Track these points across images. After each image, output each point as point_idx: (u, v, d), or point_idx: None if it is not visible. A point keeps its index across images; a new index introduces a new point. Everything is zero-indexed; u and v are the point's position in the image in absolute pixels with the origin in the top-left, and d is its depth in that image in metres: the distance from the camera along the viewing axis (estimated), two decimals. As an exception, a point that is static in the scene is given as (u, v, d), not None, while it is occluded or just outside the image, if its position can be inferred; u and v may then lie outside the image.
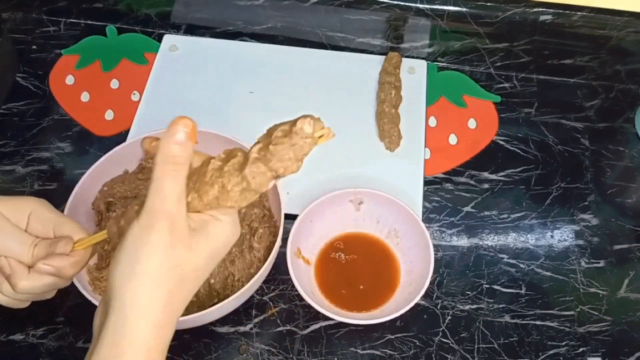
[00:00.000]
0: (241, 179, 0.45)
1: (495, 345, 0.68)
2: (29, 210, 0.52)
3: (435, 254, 0.68)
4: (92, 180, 0.69)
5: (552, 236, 0.76)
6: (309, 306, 0.64)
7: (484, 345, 0.68)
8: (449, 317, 0.70)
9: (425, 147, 0.82)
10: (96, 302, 0.59)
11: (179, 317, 0.45)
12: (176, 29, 0.93)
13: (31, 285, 0.50)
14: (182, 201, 0.44)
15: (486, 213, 0.78)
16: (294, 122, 0.44)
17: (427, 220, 0.77)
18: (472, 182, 0.80)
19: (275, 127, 0.45)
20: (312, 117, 0.44)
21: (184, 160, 0.44)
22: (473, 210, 0.78)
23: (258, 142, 0.46)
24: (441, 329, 0.69)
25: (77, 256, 0.51)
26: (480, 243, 0.75)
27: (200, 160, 0.48)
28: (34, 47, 0.91)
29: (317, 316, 0.69)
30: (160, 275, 0.42)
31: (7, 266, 0.50)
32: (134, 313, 0.42)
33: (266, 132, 0.46)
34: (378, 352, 0.67)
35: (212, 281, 0.66)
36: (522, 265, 0.74)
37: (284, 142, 0.44)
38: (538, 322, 0.70)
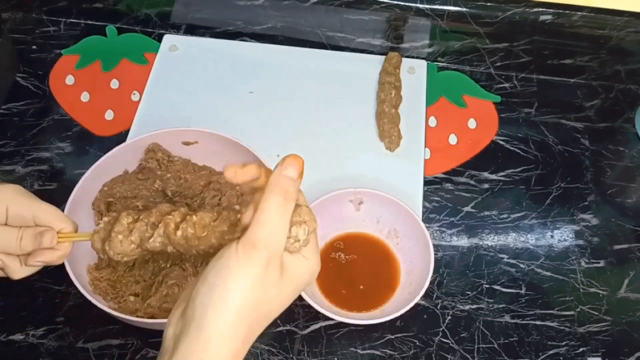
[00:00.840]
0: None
1: (495, 345, 0.68)
2: (6, 202, 0.51)
3: (435, 254, 0.68)
4: (92, 180, 0.69)
5: (552, 236, 0.76)
6: (309, 306, 0.64)
7: (484, 345, 0.68)
8: (449, 317, 0.70)
9: (425, 147, 0.82)
10: (96, 302, 0.59)
11: (251, 345, 0.44)
12: (176, 29, 0.93)
13: (25, 274, 0.52)
14: (285, 236, 0.43)
15: (486, 213, 0.78)
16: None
17: (427, 220, 0.77)
18: (472, 182, 0.80)
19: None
20: (308, 219, 0.44)
21: (293, 195, 0.43)
22: (473, 210, 0.78)
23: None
24: (441, 329, 0.69)
25: (63, 249, 0.51)
26: (480, 243, 0.75)
27: None
28: (34, 47, 0.91)
29: (317, 316, 0.69)
30: (247, 311, 0.42)
31: None
32: (214, 342, 0.41)
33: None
34: (378, 352, 0.67)
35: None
36: (522, 265, 0.74)
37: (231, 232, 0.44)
38: (538, 322, 0.70)
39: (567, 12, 0.84)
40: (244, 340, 0.42)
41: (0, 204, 0.51)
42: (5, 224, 0.51)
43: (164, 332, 0.44)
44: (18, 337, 0.67)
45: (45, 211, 0.51)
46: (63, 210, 0.63)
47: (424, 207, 0.77)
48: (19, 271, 0.51)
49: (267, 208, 0.42)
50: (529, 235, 0.76)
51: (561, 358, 0.68)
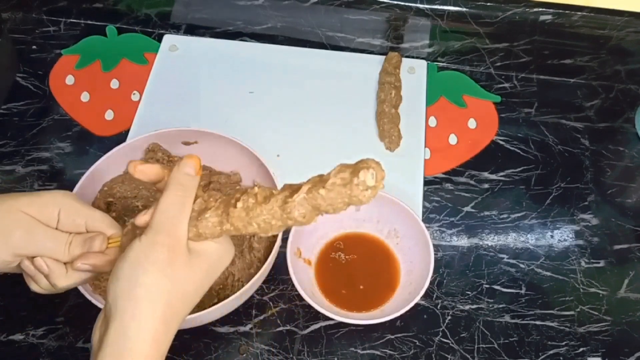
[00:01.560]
0: (287, 218, 0.45)
1: (495, 345, 0.68)
2: (58, 207, 0.51)
3: (435, 254, 0.68)
4: (92, 180, 0.69)
5: (552, 236, 0.76)
6: (309, 306, 0.64)
7: (484, 345, 0.68)
8: (449, 317, 0.70)
9: (425, 147, 0.82)
10: (96, 302, 0.59)
11: (177, 329, 0.47)
12: (176, 29, 0.93)
13: (70, 283, 0.51)
14: (184, 224, 0.47)
15: (486, 213, 0.78)
16: (355, 171, 0.43)
17: (427, 220, 0.77)
18: (472, 182, 0.80)
19: (337, 171, 0.44)
20: (375, 165, 0.42)
21: (191, 189, 0.48)
22: (473, 210, 0.78)
23: (308, 182, 0.45)
24: (441, 329, 0.69)
25: (112, 254, 0.52)
26: (480, 243, 0.75)
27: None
28: (34, 47, 0.91)
29: (317, 316, 0.69)
30: (160, 291, 0.45)
31: (44, 266, 0.50)
32: (133, 327, 0.44)
33: (318, 177, 0.45)
34: (378, 352, 0.67)
35: (212, 281, 0.66)
36: (522, 265, 0.74)
37: (340, 192, 0.43)
38: (538, 322, 0.70)
39: (567, 12, 0.84)
40: (162, 321, 0.45)
41: (53, 207, 0.51)
42: (56, 229, 0.51)
43: (91, 340, 0.46)
44: (18, 337, 0.67)
45: (97, 218, 0.52)
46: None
47: (424, 207, 0.77)
48: (64, 278, 0.51)
49: (166, 200, 0.46)
50: (529, 235, 0.76)
51: (561, 358, 0.68)
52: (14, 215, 0.49)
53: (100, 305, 0.60)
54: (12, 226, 0.49)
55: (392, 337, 0.68)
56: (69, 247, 0.51)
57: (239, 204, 0.46)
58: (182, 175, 0.48)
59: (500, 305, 0.71)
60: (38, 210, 0.51)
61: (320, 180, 0.44)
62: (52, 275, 0.51)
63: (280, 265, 0.69)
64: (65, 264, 0.51)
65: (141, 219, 0.48)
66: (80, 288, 0.60)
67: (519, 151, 0.83)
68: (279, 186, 0.68)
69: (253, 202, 0.46)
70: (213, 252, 0.48)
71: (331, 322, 0.69)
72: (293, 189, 0.45)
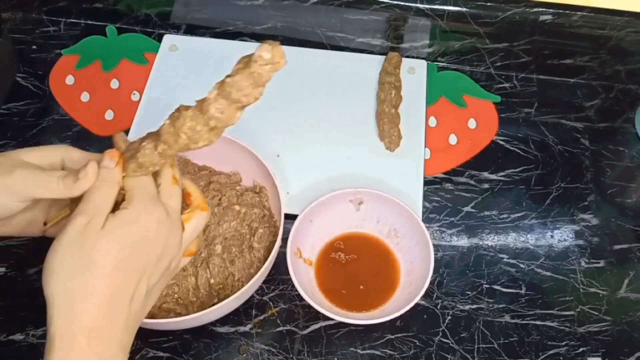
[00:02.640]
0: (207, 118, 0.47)
1: (495, 345, 0.68)
2: (60, 156, 0.52)
3: (435, 254, 0.68)
4: (92, 180, 0.68)
5: (552, 236, 0.76)
6: (309, 306, 0.64)
7: (484, 345, 0.68)
8: (449, 317, 0.70)
9: (425, 147, 0.82)
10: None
11: (129, 305, 0.46)
12: (176, 29, 0.93)
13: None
14: (104, 204, 0.47)
15: (486, 213, 0.78)
16: (253, 53, 0.45)
17: (427, 220, 0.77)
18: (472, 182, 0.80)
19: (239, 60, 0.46)
20: (271, 42, 0.44)
21: (111, 178, 0.49)
22: (473, 210, 0.78)
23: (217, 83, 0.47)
24: (441, 329, 0.69)
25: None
26: (480, 243, 0.75)
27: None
28: (34, 47, 0.91)
29: (317, 316, 0.69)
30: (73, 262, 0.45)
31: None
32: (60, 303, 0.44)
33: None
34: (378, 352, 0.67)
35: (212, 281, 0.66)
36: (522, 265, 0.74)
37: (242, 72, 0.45)
38: (538, 322, 0.70)
39: (567, 12, 0.84)
40: (103, 296, 0.44)
41: (55, 156, 0.52)
42: None
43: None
44: (18, 337, 0.67)
45: (98, 155, 0.52)
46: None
47: (424, 207, 0.77)
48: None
49: (88, 191, 0.48)
50: (529, 235, 0.76)
51: (561, 358, 0.68)
52: (13, 160, 0.49)
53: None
54: (11, 168, 0.48)
55: (392, 337, 0.68)
56: (62, 181, 0.50)
57: (166, 120, 0.49)
58: (102, 170, 0.49)
59: (500, 305, 0.71)
60: (40, 158, 0.51)
61: (227, 75, 0.46)
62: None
63: (280, 265, 0.69)
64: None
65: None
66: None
67: (519, 151, 0.83)
68: (278, 186, 0.68)
69: (177, 114, 0.49)
70: (124, 217, 0.47)
71: (331, 322, 0.69)
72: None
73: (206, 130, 0.48)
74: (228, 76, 0.46)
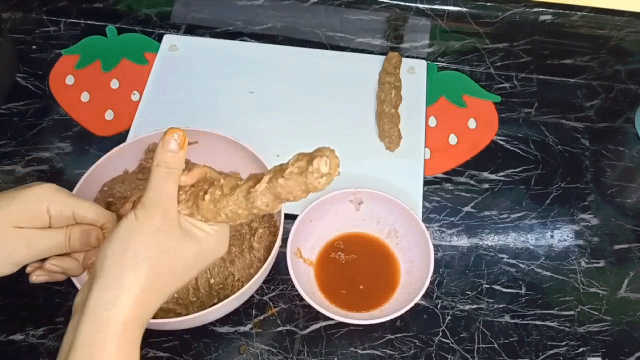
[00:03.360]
0: (252, 207, 0.48)
1: (495, 345, 0.68)
2: (45, 204, 0.52)
3: (435, 254, 0.68)
4: (92, 180, 0.69)
5: (552, 236, 0.76)
6: (309, 306, 0.64)
7: (484, 345, 0.68)
8: (449, 317, 0.70)
9: (425, 147, 0.82)
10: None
11: (160, 303, 0.48)
12: (176, 29, 0.93)
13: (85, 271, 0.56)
14: (174, 198, 0.49)
15: (486, 213, 0.78)
16: (310, 159, 0.44)
17: (427, 220, 0.77)
18: (472, 182, 0.80)
19: (294, 160, 0.46)
20: (329, 154, 0.44)
21: (176, 165, 0.49)
22: (473, 210, 0.78)
23: (269, 172, 0.48)
24: (441, 329, 0.69)
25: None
26: (480, 243, 0.75)
27: (201, 172, 0.52)
28: (34, 47, 0.91)
29: (317, 316, 0.69)
30: (148, 257, 0.46)
31: (55, 268, 0.53)
32: (116, 288, 0.45)
33: (279, 166, 0.47)
34: (378, 352, 0.67)
35: (212, 281, 0.66)
36: (522, 265, 0.74)
37: (297, 180, 0.45)
38: (538, 322, 0.70)
39: (567, 12, 0.84)
40: (147, 288, 0.46)
41: (40, 204, 0.51)
42: (49, 227, 0.52)
43: (74, 301, 0.48)
44: (18, 337, 0.67)
45: (83, 207, 0.53)
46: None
47: (424, 207, 0.77)
48: (78, 269, 0.54)
49: (154, 178, 0.48)
50: (529, 235, 0.76)
51: (561, 358, 0.68)
52: (9, 233, 0.50)
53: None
54: (12, 245, 0.50)
55: (392, 337, 0.68)
56: (69, 242, 0.52)
57: (207, 197, 0.49)
58: (165, 153, 0.48)
59: (500, 305, 0.71)
60: (29, 217, 0.51)
61: (280, 169, 0.47)
62: (69, 271, 0.53)
63: (280, 265, 0.69)
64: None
65: (127, 206, 0.51)
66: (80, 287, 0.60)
67: (519, 151, 0.83)
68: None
69: (219, 194, 0.49)
70: (205, 239, 0.50)
71: (331, 322, 0.69)
72: (257, 179, 0.48)
73: (246, 214, 0.49)
74: (282, 174, 0.46)
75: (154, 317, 0.62)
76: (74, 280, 0.60)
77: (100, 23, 0.93)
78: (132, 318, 0.45)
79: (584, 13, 0.83)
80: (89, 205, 0.54)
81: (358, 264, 0.72)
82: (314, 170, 0.44)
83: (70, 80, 0.88)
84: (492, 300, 0.71)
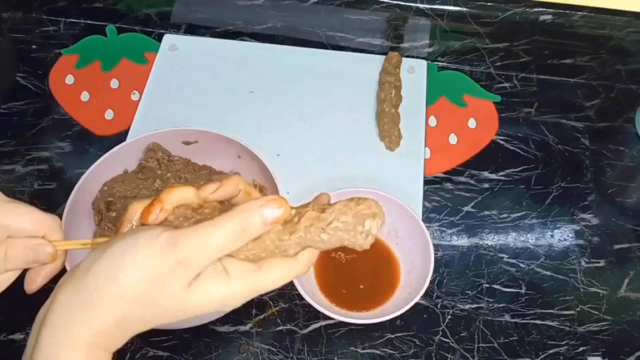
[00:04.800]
0: (278, 251, 0.42)
1: (495, 345, 0.68)
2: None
3: (435, 254, 0.68)
4: (92, 180, 0.69)
5: (552, 236, 0.76)
6: (309, 305, 0.64)
7: (484, 345, 0.68)
8: (449, 317, 0.70)
9: (425, 146, 0.82)
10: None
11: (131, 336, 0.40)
12: (176, 28, 0.93)
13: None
14: (210, 259, 0.38)
15: (486, 213, 0.78)
16: (359, 217, 0.40)
17: (427, 220, 0.77)
18: (472, 181, 0.80)
19: (337, 211, 0.41)
20: (378, 212, 0.41)
21: (252, 234, 0.39)
22: (473, 210, 0.78)
23: (302, 216, 0.41)
24: (441, 329, 0.69)
25: (63, 257, 0.46)
26: (480, 243, 0.75)
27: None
28: (34, 47, 0.91)
29: (317, 315, 0.69)
30: (127, 301, 0.38)
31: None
32: (69, 311, 0.38)
33: (314, 212, 0.41)
34: (378, 352, 0.67)
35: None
36: (522, 265, 0.74)
37: (340, 237, 0.41)
38: (538, 322, 0.70)
39: (567, 12, 0.84)
40: (117, 323, 0.37)
41: None
42: None
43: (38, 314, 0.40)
44: (18, 336, 0.67)
45: (19, 214, 0.43)
46: (63, 210, 0.64)
47: (424, 207, 0.77)
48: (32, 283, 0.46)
49: (218, 225, 0.37)
50: (529, 235, 0.76)
51: (561, 357, 0.68)
52: None
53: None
54: None
55: (392, 336, 0.68)
56: (4, 263, 0.44)
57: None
58: (257, 216, 0.38)
59: (500, 305, 0.71)
60: None
61: (319, 219, 0.41)
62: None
63: (280, 264, 0.68)
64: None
65: (130, 211, 0.42)
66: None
67: (519, 151, 0.83)
68: (279, 186, 0.68)
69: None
70: (214, 294, 0.39)
71: (331, 322, 0.69)
72: (292, 226, 0.41)
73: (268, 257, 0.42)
74: (323, 228, 0.40)
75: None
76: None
77: (100, 23, 0.93)
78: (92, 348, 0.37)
79: (584, 13, 0.83)
80: (25, 211, 0.43)
81: (358, 263, 0.72)
82: (364, 232, 0.40)
83: (70, 79, 0.88)
84: (492, 300, 0.71)
